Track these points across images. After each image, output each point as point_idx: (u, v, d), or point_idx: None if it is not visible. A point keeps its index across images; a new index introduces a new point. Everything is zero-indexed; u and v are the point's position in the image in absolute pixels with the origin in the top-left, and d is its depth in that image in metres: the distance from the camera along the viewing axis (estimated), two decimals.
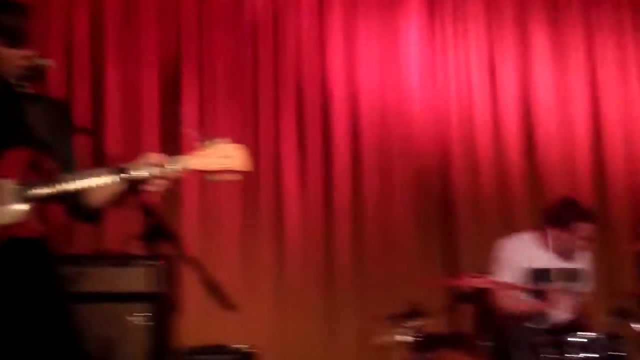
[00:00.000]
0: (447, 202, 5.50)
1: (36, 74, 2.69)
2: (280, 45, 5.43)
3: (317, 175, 5.37)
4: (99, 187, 2.77)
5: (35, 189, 2.67)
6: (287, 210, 5.29)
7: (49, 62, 2.72)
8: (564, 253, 4.52)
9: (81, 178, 2.69)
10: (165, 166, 2.71)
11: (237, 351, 4.56)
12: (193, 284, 4.87)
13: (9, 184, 2.66)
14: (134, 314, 4.23)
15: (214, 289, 2.35)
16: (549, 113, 5.68)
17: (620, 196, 5.66)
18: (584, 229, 4.42)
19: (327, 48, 5.48)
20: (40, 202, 2.70)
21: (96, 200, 2.86)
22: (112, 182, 2.71)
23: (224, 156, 2.76)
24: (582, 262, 4.59)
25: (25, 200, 2.66)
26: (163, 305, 3.79)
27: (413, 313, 4.12)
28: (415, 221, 5.42)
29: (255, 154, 5.22)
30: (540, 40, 5.72)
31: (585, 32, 5.77)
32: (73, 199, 2.84)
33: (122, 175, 2.59)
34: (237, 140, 4.85)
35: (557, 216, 4.49)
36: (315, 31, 5.48)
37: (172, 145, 4.93)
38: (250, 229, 5.27)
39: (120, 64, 5.22)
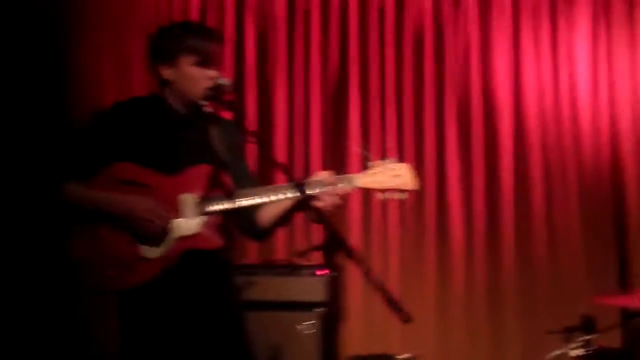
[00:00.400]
0: (618, 212, 5.26)
1: (218, 93, 2.83)
2: (444, 54, 5.38)
3: (480, 187, 5.28)
4: (271, 205, 2.90)
5: (215, 203, 2.82)
6: (450, 222, 5.24)
7: (228, 82, 2.87)
8: None
9: (258, 194, 2.82)
10: (338, 184, 2.81)
11: None
12: (357, 293, 5.01)
13: (190, 198, 2.82)
14: (303, 322, 4.34)
15: (391, 301, 2.37)
16: None
17: None
18: None
19: (493, 57, 5.37)
20: (218, 216, 2.84)
21: (266, 218, 2.98)
22: (287, 199, 2.82)
23: (393, 175, 2.85)
24: None
25: (205, 213, 2.82)
26: (331, 314, 3.86)
27: (584, 327, 3.99)
28: (584, 232, 5.23)
29: (418, 165, 5.23)
30: None
31: None
32: (245, 216, 2.98)
33: (297, 192, 2.67)
34: (400, 150, 4.92)
35: None
36: (480, 40, 5.38)
37: (340, 162, 5.09)
38: (414, 242, 5.26)
39: (288, 76, 5.35)
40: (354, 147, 4.83)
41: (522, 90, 5.35)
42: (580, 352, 3.91)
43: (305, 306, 4.35)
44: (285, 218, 2.97)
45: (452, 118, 5.34)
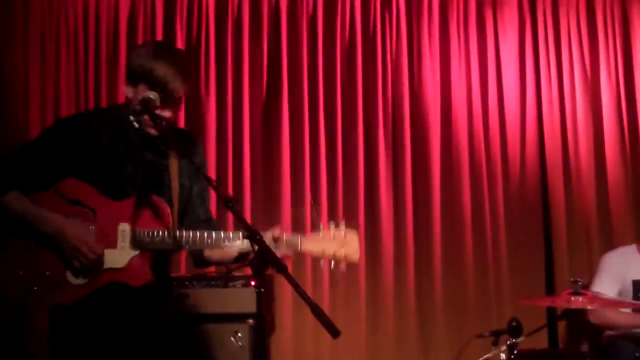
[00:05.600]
0: (545, 217, 5.35)
1: (145, 107, 2.78)
2: (375, 62, 5.41)
3: (409, 192, 5.32)
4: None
5: (152, 240, 2.76)
6: (380, 229, 5.26)
7: (155, 96, 2.82)
8: None
9: (199, 241, 2.76)
10: (285, 244, 2.81)
11: None
12: (288, 304, 5.01)
13: (128, 230, 2.76)
14: (235, 333, 4.33)
15: (320, 316, 2.39)
16: None
17: None
18: None
19: (422, 65, 5.43)
20: (151, 252, 2.80)
21: (214, 259, 2.98)
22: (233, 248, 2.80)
23: (339, 244, 2.78)
24: None
25: (138, 247, 2.77)
26: (262, 325, 3.87)
27: (511, 330, 4.07)
28: (511, 238, 5.33)
29: (349, 173, 5.30)
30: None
31: None
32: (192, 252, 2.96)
33: (245, 244, 2.63)
34: (331, 158, 4.89)
35: None
36: (410, 48, 5.45)
37: (270, 176, 5.08)
38: None
39: (217, 88, 5.32)
40: (311, 210, 4.87)
41: (451, 97, 5.43)
42: (507, 355, 3.98)
43: (238, 318, 4.35)
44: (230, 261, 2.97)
45: (382, 126, 5.38)
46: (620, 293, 4.47)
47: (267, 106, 5.36)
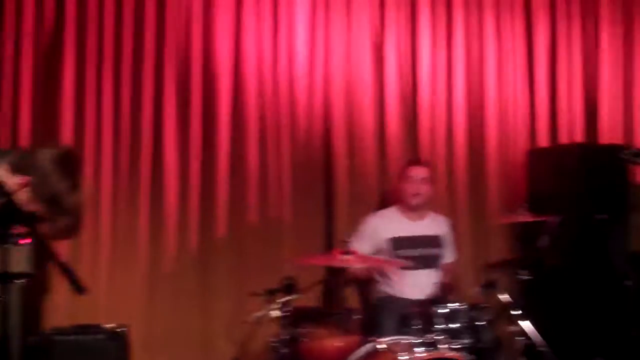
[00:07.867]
0: (327, 179, 5.54)
1: None
2: (164, 20, 5.33)
3: (197, 153, 5.32)
4: None
5: None
6: (165, 185, 5.24)
7: None
8: (414, 212, 4.88)
9: None
10: None
11: (107, 330, 4.54)
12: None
13: None
14: (3, 293, 4.14)
15: (65, 272, 2.34)
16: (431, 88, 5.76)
17: (493, 169, 5.82)
18: (415, 171, 4.88)
19: (214, 26, 5.41)
20: None
21: None
22: None
23: None
24: (439, 229, 4.95)
25: None
26: (33, 285, 3.73)
27: (285, 288, 4.17)
28: (295, 198, 5.44)
29: (135, 130, 5.23)
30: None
31: None
32: None
33: None
34: (116, 115, 4.77)
35: (399, 171, 5.00)
36: (202, 6, 5.41)
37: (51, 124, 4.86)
38: (127, 206, 5.21)
39: None
40: None
41: (242, 60, 5.44)
42: (279, 312, 4.07)
43: (6, 277, 4.15)
44: None
45: (171, 84, 5.31)
46: (379, 252, 4.73)
47: (50, 56, 5.15)
